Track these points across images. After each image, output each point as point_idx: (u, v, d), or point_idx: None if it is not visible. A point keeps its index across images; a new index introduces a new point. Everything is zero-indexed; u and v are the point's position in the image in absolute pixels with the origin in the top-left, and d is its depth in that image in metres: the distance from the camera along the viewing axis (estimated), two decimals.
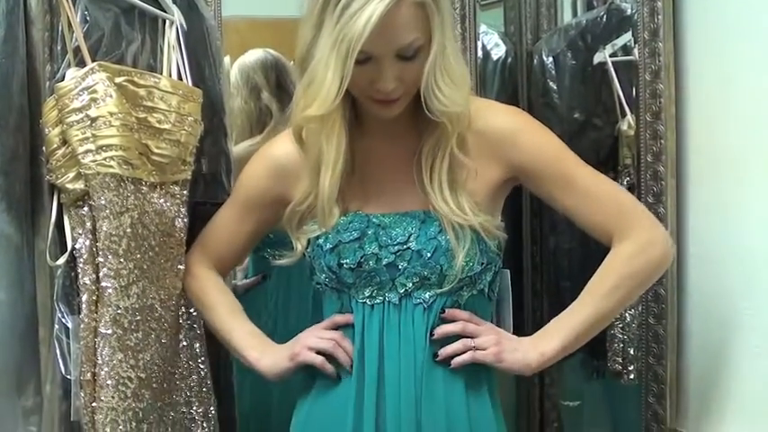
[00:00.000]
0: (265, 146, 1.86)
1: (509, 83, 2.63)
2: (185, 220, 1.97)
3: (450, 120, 1.63)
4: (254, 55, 2.83)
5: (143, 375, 1.86)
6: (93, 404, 1.81)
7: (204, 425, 2.01)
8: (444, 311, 1.70)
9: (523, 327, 2.58)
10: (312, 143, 1.68)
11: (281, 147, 1.81)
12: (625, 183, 2.32)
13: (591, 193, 1.71)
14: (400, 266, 1.68)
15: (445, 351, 1.68)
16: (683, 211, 2.03)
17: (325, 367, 1.73)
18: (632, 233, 1.69)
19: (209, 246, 1.94)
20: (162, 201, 1.92)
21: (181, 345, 1.98)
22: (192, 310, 2.00)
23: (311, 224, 1.74)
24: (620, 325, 2.35)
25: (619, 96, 2.36)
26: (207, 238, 1.93)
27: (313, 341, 1.74)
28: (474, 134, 1.70)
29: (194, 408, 2.00)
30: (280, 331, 2.54)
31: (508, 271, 1.93)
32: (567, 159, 1.73)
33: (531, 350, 1.70)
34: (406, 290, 1.69)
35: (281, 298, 2.64)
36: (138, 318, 1.85)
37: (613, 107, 2.39)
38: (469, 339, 1.68)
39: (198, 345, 2.01)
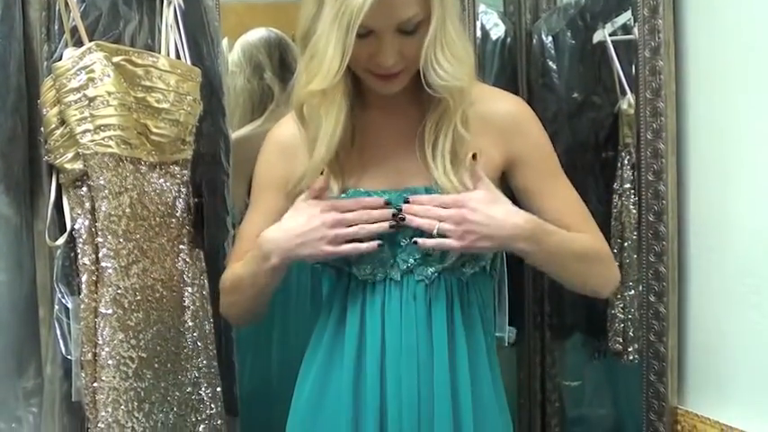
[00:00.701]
0: (270, 132, 1.84)
1: (508, 63, 2.62)
2: (187, 200, 1.96)
3: (451, 95, 1.61)
4: (257, 33, 2.79)
5: (144, 355, 1.84)
6: (95, 384, 1.80)
7: (212, 405, 2.01)
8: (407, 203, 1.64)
9: (523, 306, 2.58)
10: (312, 118, 1.66)
11: (286, 129, 1.79)
12: (626, 162, 2.31)
13: (568, 197, 1.76)
14: (402, 243, 1.67)
15: (412, 221, 1.62)
16: (684, 189, 2.02)
17: (359, 250, 1.64)
18: (600, 243, 1.75)
19: (240, 254, 1.83)
20: (162, 181, 1.91)
21: (186, 325, 1.96)
22: (204, 292, 1.99)
23: None
24: (621, 305, 2.34)
25: (618, 75, 2.34)
26: (236, 248, 1.86)
27: (333, 234, 1.63)
28: (478, 117, 1.69)
29: (203, 389, 1.99)
30: (278, 326, 2.57)
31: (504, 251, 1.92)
32: (556, 160, 1.77)
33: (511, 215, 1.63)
34: (407, 267, 1.68)
35: (280, 294, 2.64)
36: (139, 297, 1.84)
37: (613, 86, 2.37)
38: (435, 222, 1.61)
39: (207, 325, 2.00)
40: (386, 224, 1.62)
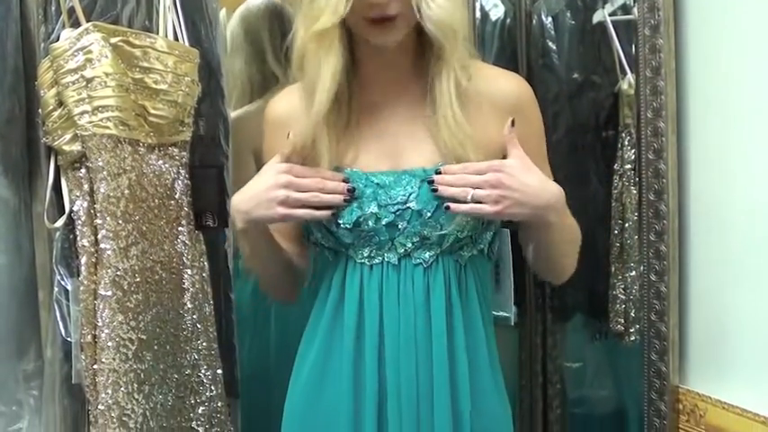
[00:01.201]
0: (266, 108, 1.83)
1: (508, 44, 2.60)
2: (186, 182, 1.96)
3: (445, 35, 1.62)
4: (255, 2, 2.71)
5: (144, 337, 1.84)
6: (95, 366, 1.80)
7: (212, 387, 2.00)
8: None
9: (524, 288, 2.57)
10: (310, 69, 1.66)
11: (281, 103, 1.80)
12: (626, 142, 2.30)
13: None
14: (400, 226, 1.66)
15: (445, 191, 1.62)
16: (684, 167, 2.00)
17: (313, 216, 1.66)
18: None
19: None
20: (160, 162, 1.90)
21: (185, 307, 1.96)
22: (204, 274, 1.99)
23: None
24: (622, 286, 2.34)
25: (619, 55, 2.32)
26: None
27: (283, 196, 1.63)
28: (481, 96, 1.70)
29: (202, 371, 1.99)
30: (276, 308, 2.57)
31: (508, 231, 1.91)
32: (545, 147, 1.79)
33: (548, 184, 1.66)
34: (405, 250, 1.67)
35: None
36: (138, 279, 1.84)
37: (613, 67, 2.36)
38: (469, 189, 1.62)
39: (207, 308, 2.00)
40: (339, 197, 1.63)
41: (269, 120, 1.81)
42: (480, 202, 1.60)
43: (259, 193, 1.64)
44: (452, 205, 1.61)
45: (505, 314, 2.01)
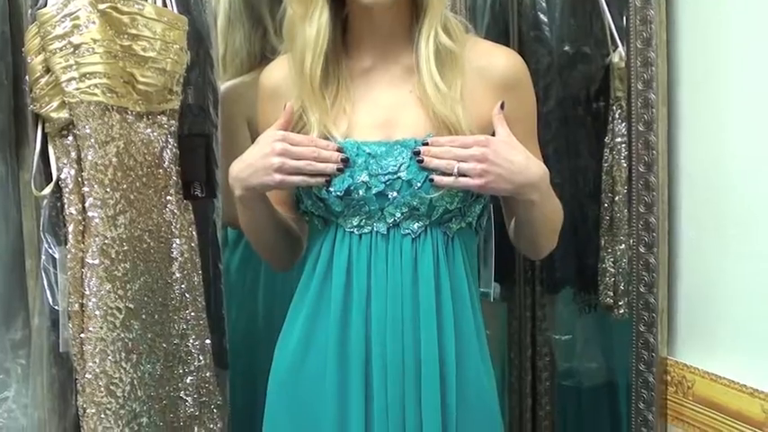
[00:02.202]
0: (260, 78, 1.83)
1: (499, 15, 2.57)
2: (174, 151, 1.94)
3: None
4: None
5: (132, 306, 1.84)
6: (82, 335, 1.79)
7: (201, 357, 2.00)
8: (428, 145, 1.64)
9: (514, 261, 2.57)
10: (299, 34, 1.67)
11: (273, 72, 1.79)
12: (617, 116, 2.28)
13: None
14: (390, 196, 1.65)
15: (430, 162, 1.62)
16: (675, 139, 1.99)
17: (308, 182, 1.66)
18: None
19: None
20: (149, 131, 1.89)
21: (174, 276, 1.95)
22: (193, 243, 1.98)
23: None
24: (612, 259, 2.33)
25: (610, 27, 2.30)
26: None
27: (279, 163, 1.63)
28: (475, 71, 1.69)
29: (191, 340, 1.99)
30: (264, 276, 2.56)
31: (491, 206, 1.91)
32: (536, 124, 1.79)
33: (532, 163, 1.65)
34: (394, 220, 1.67)
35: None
36: (126, 248, 1.83)
37: (604, 39, 2.33)
38: (454, 162, 1.61)
39: (196, 277, 1.99)
40: (333, 166, 1.63)
41: (263, 88, 1.81)
42: (465, 176, 1.60)
43: (256, 161, 1.64)
44: (436, 177, 1.62)
45: (486, 290, 2.03)
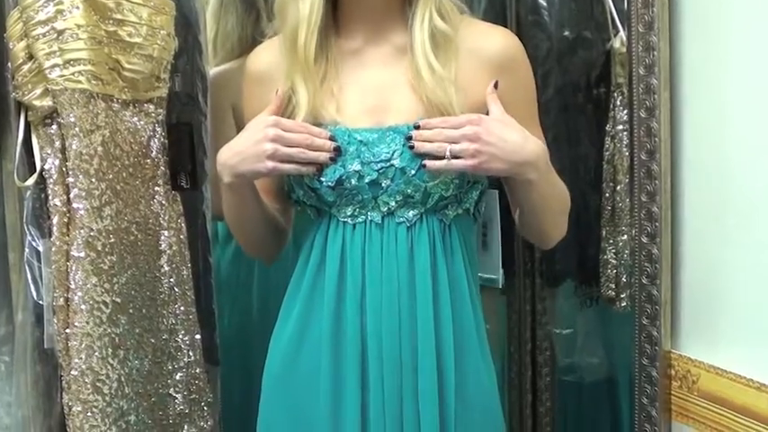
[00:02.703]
0: (246, 62, 1.83)
1: None
2: (162, 140, 1.94)
3: None
4: None
5: (118, 300, 1.84)
6: (67, 330, 1.79)
7: (190, 353, 2.00)
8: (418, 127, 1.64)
9: (513, 252, 2.56)
10: (290, 12, 1.67)
11: (261, 57, 1.79)
12: (618, 103, 2.27)
13: None
14: (383, 184, 1.65)
15: (422, 147, 1.62)
16: (678, 126, 1.98)
17: (300, 171, 1.66)
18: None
19: None
20: (135, 119, 1.89)
21: (162, 270, 1.95)
22: (182, 236, 1.98)
23: None
24: (614, 250, 2.32)
25: (611, 11, 2.29)
26: None
27: (271, 149, 1.63)
28: (469, 52, 1.69)
29: (180, 336, 1.99)
30: (258, 271, 2.55)
31: (496, 192, 1.90)
32: (536, 107, 1.79)
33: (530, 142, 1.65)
34: (388, 208, 1.67)
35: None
36: (113, 240, 1.83)
37: (605, 23, 2.33)
38: (446, 144, 1.61)
39: (185, 271, 2.00)
40: (325, 155, 1.62)
41: (250, 72, 1.80)
42: (458, 157, 1.60)
43: (247, 147, 1.64)
44: (428, 162, 1.61)
45: (493, 276, 2.01)
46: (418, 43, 1.66)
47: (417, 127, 1.62)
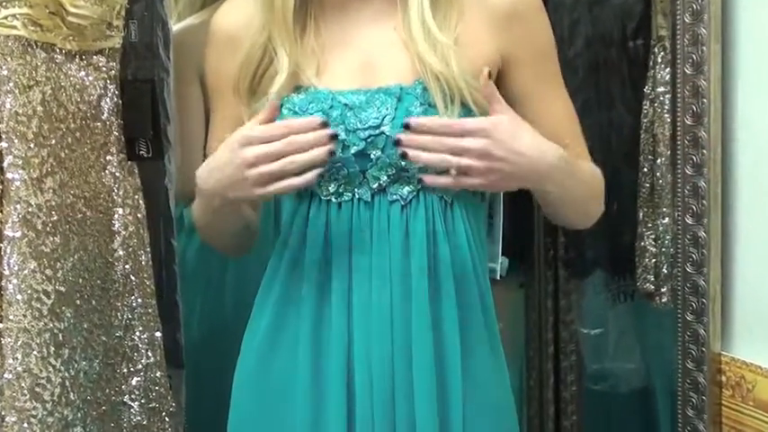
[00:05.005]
0: (212, 22, 1.80)
1: None
2: (115, 100, 1.95)
3: None
4: None
5: (63, 289, 1.83)
6: (0, 325, 1.79)
7: (149, 354, 2.01)
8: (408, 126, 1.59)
9: (531, 238, 2.54)
10: None
11: (226, 16, 1.77)
12: (660, 60, 2.28)
13: (566, 110, 1.74)
14: (372, 155, 1.62)
15: (417, 157, 1.56)
16: (730, 84, 1.95)
17: (293, 186, 1.59)
18: (599, 173, 1.76)
19: None
20: (83, 74, 1.89)
21: (116, 254, 1.96)
22: (139, 214, 1.98)
23: (263, 99, 1.68)
24: (653, 236, 2.32)
25: None
26: None
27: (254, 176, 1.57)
28: (475, 5, 1.67)
29: (137, 333, 1.99)
30: (233, 261, 2.53)
31: None
32: (557, 65, 1.74)
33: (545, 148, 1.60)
34: (379, 184, 1.63)
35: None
36: (56, 218, 1.83)
37: None
38: (449, 157, 1.56)
39: (143, 256, 1.99)
40: (324, 150, 1.55)
41: (216, 32, 1.78)
42: (464, 173, 1.56)
43: (226, 175, 1.59)
44: (428, 179, 1.58)
45: (492, 266, 1.99)
46: (416, 6, 1.63)
47: (407, 126, 1.57)
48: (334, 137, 1.56)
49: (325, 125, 1.56)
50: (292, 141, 1.55)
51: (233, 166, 1.58)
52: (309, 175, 1.56)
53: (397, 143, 1.56)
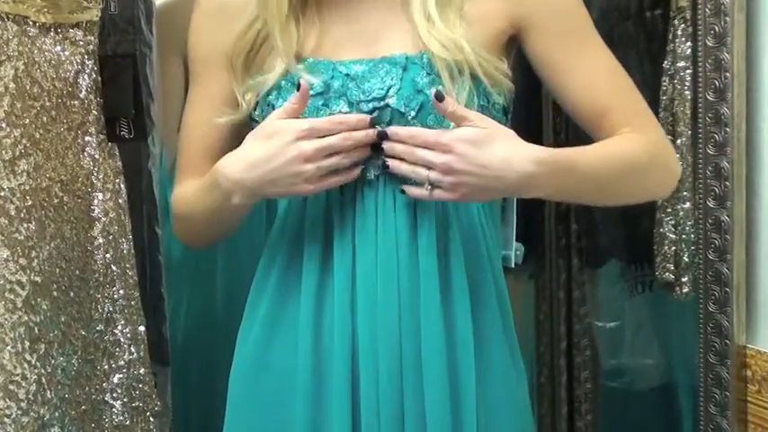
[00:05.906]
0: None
1: None
2: (94, 77, 1.95)
3: None
4: None
5: (38, 280, 1.84)
6: None
7: (132, 349, 2.01)
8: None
9: (542, 225, 2.51)
10: None
11: None
12: (680, 32, 2.24)
13: (603, 69, 1.71)
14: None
15: (398, 168, 1.56)
16: (755, 57, 1.94)
17: (341, 182, 1.60)
18: (654, 136, 1.70)
19: (188, 158, 1.81)
20: (58, 48, 1.91)
21: (95, 243, 1.96)
22: (121, 200, 1.98)
23: (257, 75, 1.68)
24: (672, 222, 2.29)
25: None
26: (184, 149, 1.82)
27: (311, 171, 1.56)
28: None
29: (119, 327, 1.99)
30: (223, 252, 2.52)
31: None
32: (587, 19, 1.72)
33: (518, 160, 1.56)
34: (385, 161, 1.60)
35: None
36: (30, 203, 1.83)
37: None
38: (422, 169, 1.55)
39: (125, 244, 2.00)
40: (368, 148, 1.58)
41: (205, 7, 1.77)
42: (438, 186, 1.56)
43: (279, 168, 1.56)
44: (408, 189, 1.57)
45: (506, 253, 1.99)
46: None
47: (385, 134, 1.57)
48: (382, 134, 1.56)
49: (373, 124, 1.57)
50: (347, 137, 1.55)
51: (285, 158, 1.55)
52: (355, 172, 1.58)
53: (383, 137, 1.56)
